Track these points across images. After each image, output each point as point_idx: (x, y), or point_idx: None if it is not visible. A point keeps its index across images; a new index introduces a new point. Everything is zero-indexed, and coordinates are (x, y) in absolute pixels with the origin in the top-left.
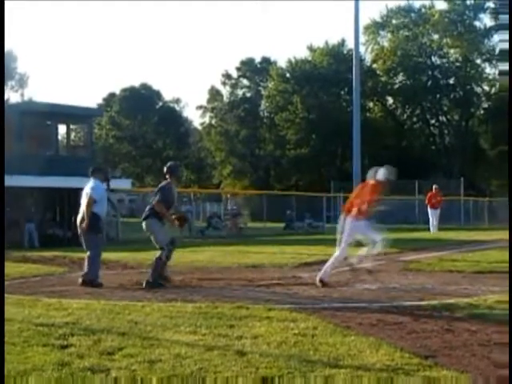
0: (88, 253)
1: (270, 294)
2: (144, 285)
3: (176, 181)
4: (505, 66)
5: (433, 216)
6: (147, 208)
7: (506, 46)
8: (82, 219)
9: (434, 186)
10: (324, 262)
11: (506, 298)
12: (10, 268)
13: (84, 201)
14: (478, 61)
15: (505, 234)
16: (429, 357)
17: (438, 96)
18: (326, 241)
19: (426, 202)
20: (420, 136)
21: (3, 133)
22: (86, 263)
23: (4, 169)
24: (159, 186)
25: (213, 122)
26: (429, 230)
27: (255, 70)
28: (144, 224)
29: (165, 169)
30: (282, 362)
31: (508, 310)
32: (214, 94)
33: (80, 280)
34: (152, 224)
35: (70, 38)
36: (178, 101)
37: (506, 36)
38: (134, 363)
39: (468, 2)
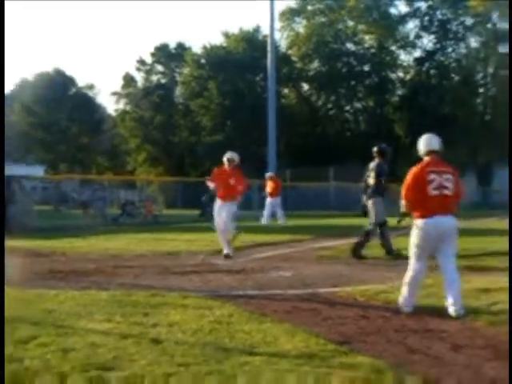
0: None
1: (185, 282)
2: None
3: (384, 160)
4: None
5: (269, 206)
6: (370, 187)
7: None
8: None
9: (267, 174)
10: (237, 248)
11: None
12: None
13: None
14: (393, 47)
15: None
16: (344, 343)
17: (352, 82)
18: (241, 228)
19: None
20: (335, 122)
21: (3, 132)
22: None
23: (4, 168)
24: (377, 165)
25: (127, 108)
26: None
27: (170, 55)
28: (371, 202)
29: (376, 150)
30: (197, 349)
31: (508, 309)
32: (129, 80)
33: None
34: (379, 202)
35: None
36: (91, 87)
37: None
38: (47, 352)
39: None
